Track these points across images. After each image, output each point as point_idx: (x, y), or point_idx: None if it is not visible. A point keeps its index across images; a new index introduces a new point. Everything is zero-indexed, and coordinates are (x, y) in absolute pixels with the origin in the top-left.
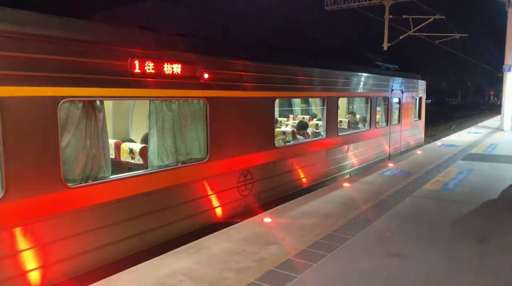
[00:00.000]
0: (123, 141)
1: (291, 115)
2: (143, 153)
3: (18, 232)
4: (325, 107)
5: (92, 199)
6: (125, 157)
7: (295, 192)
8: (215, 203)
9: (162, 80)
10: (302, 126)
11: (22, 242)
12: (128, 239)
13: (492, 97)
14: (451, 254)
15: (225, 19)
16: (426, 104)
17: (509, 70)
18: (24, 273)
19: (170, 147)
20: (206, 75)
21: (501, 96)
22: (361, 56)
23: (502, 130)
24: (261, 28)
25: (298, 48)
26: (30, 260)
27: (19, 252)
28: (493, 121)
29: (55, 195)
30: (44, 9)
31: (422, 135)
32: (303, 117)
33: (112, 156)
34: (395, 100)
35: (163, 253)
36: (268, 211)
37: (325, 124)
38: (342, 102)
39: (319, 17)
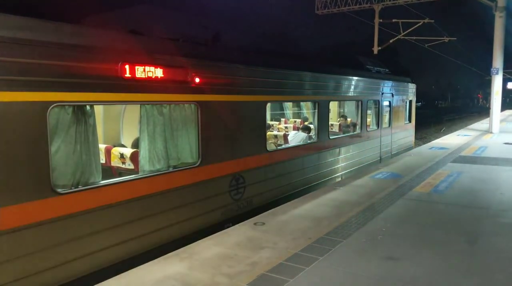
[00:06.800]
0: (114, 146)
1: (282, 119)
2: (134, 157)
3: (5, 239)
4: (316, 110)
5: (82, 205)
6: (115, 162)
7: (288, 195)
8: (207, 207)
9: (153, 85)
10: (305, 129)
11: (10, 249)
12: (119, 245)
13: (481, 100)
14: (443, 256)
15: (216, 23)
16: (416, 107)
17: (497, 73)
18: (12, 281)
19: (161, 151)
20: (197, 79)
21: (490, 99)
22: (352, 60)
23: (491, 132)
24: (252, 32)
25: (289, 52)
26: (18, 268)
27: (6, 260)
28: (481, 124)
29: (44, 201)
30: (35, 14)
31: (413, 138)
32: (295, 121)
33: (103, 161)
34: (386, 103)
35: (155, 258)
36: (261, 214)
37: (316, 128)
38: (334, 105)
39: (310, 21)
